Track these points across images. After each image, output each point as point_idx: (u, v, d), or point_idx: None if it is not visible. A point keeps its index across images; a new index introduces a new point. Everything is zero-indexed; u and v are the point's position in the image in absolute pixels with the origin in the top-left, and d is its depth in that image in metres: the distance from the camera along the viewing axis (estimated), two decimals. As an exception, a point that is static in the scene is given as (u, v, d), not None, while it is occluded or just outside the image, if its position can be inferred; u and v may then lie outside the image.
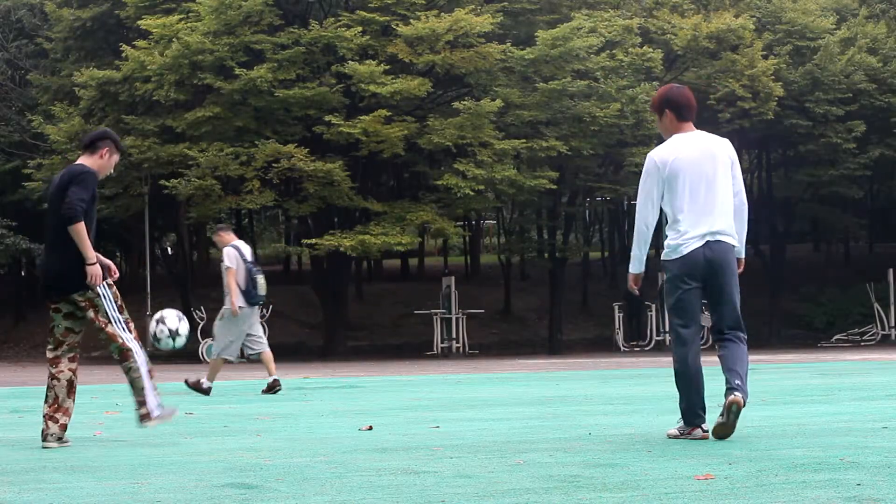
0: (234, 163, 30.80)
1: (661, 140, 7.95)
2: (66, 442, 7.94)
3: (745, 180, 8.16)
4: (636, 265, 7.67)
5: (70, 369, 7.97)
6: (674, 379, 7.47)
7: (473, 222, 46.88)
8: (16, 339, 39.01)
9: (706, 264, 7.37)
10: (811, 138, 36.05)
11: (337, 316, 35.09)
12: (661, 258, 7.57)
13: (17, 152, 36.35)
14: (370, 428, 8.81)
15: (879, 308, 37.29)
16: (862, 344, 36.51)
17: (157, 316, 8.38)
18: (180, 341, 8.44)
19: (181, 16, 31.41)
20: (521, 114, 31.66)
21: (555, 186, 32.51)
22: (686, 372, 7.37)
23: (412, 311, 38.64)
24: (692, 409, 7.39)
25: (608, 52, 32.31)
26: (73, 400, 7.99)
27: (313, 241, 31.63)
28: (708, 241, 7.37)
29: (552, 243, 38.42)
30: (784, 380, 15.73)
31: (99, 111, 32.97)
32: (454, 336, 34.40)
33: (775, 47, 35.76)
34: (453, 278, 36.38)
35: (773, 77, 34.24)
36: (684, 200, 7.39)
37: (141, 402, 7.91)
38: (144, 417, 7.91)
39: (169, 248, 48.62)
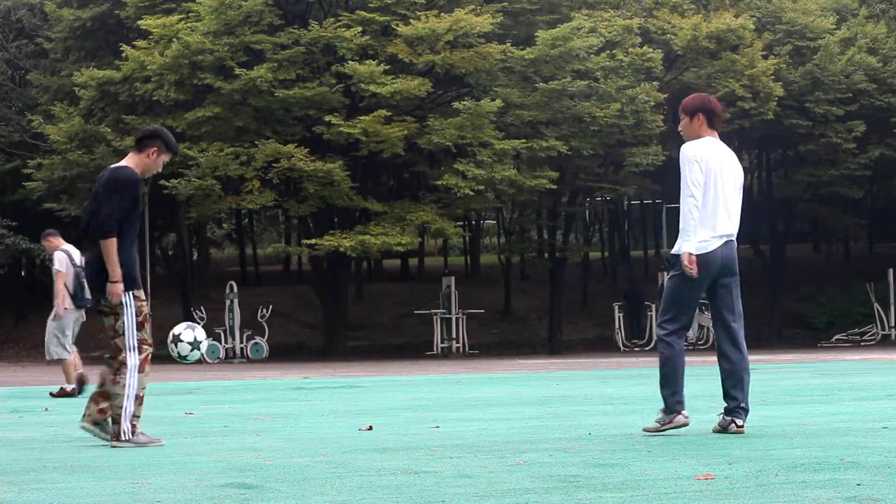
0: (234, 163, 30.80)
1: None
2: (108, 434, 7.88)
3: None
4: (693, 245, 7.70)
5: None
6: (661, 367, 7.69)
7: (473, 222, 46.85)
8: (16, 339, 39.00)
9: (722, 263, 7.76)
10: (811, 138, 36.05)
11: (337, 316, 35.08)
12: (677, 252, 7.74)
13: (17, 152, 36.34)
14: (370, 428, 8.81)
15: (879, 308, 37.28)
16: (862, 344, 36.50)
17: (172, 337, 8.34)
18: (204, 346, 8.40)
19: (181, 16, 31.40)
20: (521, 114, 31.66)
21: (555, 186, 32.50)
22: (677, 359, 7.68)
23: (412, 311, 38.63)
24: (676, 396, 7.66)
25: (608, 52, 32.30)
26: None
27: (313, 241, 31.63)
28: (726, 241, 7.79)
29: (552, 243, 38.41)
30: (784, 380, 15.73)
31: (99, 111, 32.96)
32: (454, 336, 34.40)
33: (775, 47, 35.76)
34: (453, 278, 36.37)
35: (773, 77, 34.24)
36: (716, 200, 7.74)
37: (114, 420, 7.86)
38: (115, 437, 7.85)
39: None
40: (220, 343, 32.64)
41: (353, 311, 38.19)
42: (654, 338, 36.05)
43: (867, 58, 35.84)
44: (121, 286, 7.81)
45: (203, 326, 32.43)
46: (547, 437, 7.86)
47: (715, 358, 7.75)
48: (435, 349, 34.20)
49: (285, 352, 35.23)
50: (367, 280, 45.22)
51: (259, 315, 33.77)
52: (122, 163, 8.20)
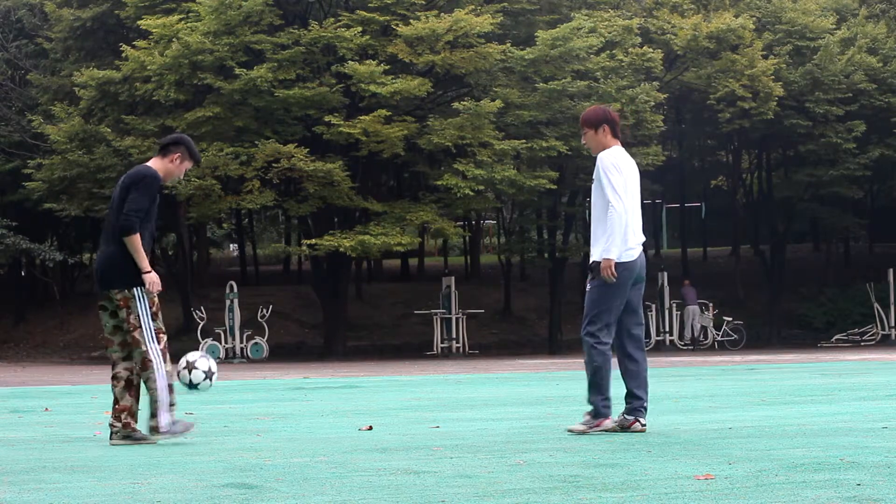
0: (234, 163, 30.81)
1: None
2: (140, 439, 7.93)
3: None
4: (618, 252, 7.88)
5: (127, 368, 8.03)
6: (595, 373, 7.87)
7: (473, 222, 46.86)
8: (16, 339, 39.00)
9: (638, 269, 8.01)
10: (811, 138, 36.06)
11: (337, 316, 35.08)
12: (599, 259, 7.92)
13: (17, 152, 36.34)
14: (370, 428, 8.82)
15: (879, 308, 37.30)
16: (862, 344, 36.52)
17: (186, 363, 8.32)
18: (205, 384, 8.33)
19: (181, 16, 31.40)
20: (521, 114, 31.66)
21: (555, 186, 32.51)
22: (608, 367, 7.90)
23: (412, 311, 38.64)
24: (606, 401, 7.90)
25: (608, 52, 32.31)
26: (135, 397, 8.03)
27: (313, 241, 31.64)
28: (642, 249, 8.06)
29: (552, 243, 38.42)
30: (784, 380, 15.73)
31: (99, 111, 32.97)
32: (454, 336, 34.41)
33: (775, 47, 35.77)
34: (453, 278, 36.39)
35: (773, 77, 34.25)
36: (632, 209, 7.95)
37: (153, 414, 7.95)
38: (154, 430, 7.95)
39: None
40: (220, 343, 32.66)
41: (353, 311, 38.19)
42: (654, 338, 36.24)
43: (867, 58, 35.84)
44: (155, 276, 7.99)
45: (203, 326, 32.65)
46: (547, 437, 7.86)
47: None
48: (435, 349, 34.21)
49: (285, 352, 35.23)
50: (367, 280, 45.23)
51: (259, 315, 33.78)
52: (145, 164, 8.35)
